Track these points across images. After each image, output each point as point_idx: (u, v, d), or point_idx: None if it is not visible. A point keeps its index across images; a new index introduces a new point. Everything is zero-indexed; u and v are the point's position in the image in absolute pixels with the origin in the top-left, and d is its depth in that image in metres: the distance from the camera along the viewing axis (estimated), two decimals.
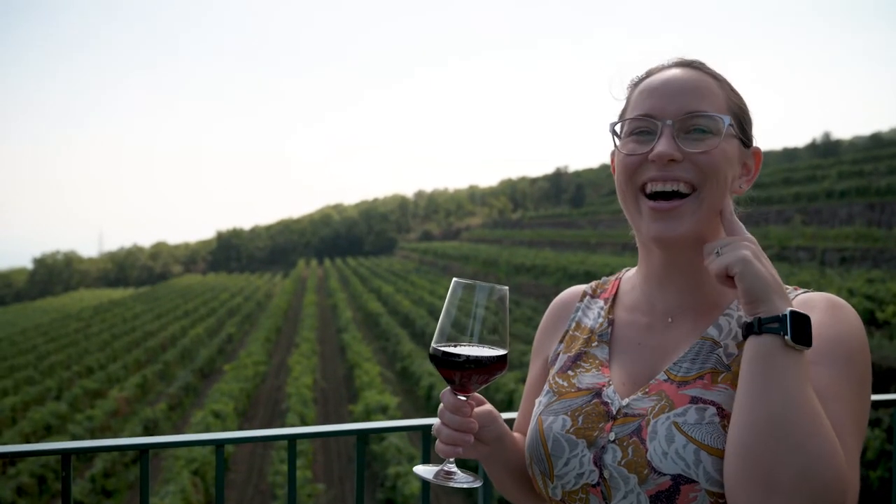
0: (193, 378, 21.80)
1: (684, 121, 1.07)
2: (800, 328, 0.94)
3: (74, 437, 14.71)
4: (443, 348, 1.10)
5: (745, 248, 1.00)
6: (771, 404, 0.92)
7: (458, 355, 1.08)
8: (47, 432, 15.98)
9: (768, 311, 0.96)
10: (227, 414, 14.90)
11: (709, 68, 1.15)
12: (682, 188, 1.07)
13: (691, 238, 1.08)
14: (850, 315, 1.04)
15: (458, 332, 1.10)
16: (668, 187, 1.07)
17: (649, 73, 1.17)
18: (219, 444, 1.80)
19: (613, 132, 1.16)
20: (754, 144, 1.17)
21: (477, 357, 1.08)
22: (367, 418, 13.82)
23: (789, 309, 0.95)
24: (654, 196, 1.08)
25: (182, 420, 18.42)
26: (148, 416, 16.38)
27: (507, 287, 1.12)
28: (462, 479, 1.12)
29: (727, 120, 1.08)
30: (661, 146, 1.05)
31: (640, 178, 1.09)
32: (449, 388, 1.14)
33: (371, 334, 29.72)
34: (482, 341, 1.09)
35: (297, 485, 1.84)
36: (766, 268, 1.00)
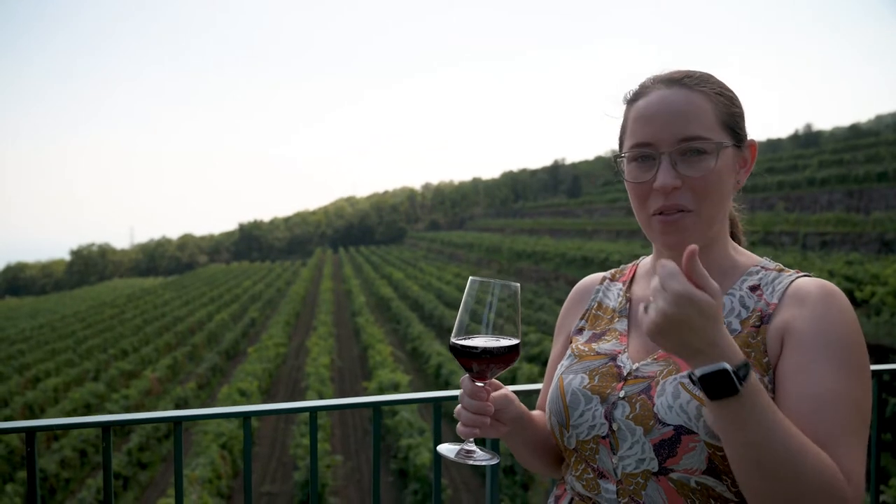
0: (220, 359, 21.91)
1: (680, 148, 1.07)
2: (716, 384, 0.88)
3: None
4: (461, 341, 1.11)
5: (659, 314, 0.89)
6: (743, 456, 0.91)
7: (475, 347, 1.10)
8: (87, 410, 16.09)
9: (696, 366, 0.90)
10: (252, 392, 14.98)
11: (696, 80, 1.11)
12: (685, 209, 1.09)
13: (697, 242, 1.12)
14: (843, 304, 1.03)
15: (474, 325, 1.12)
16: (672, 211, 1.09)
17: (641, 91, 1.14)
18: (245, 417, 1.79)
19: (617, 157, 1.17)
20: (748, 138, 1.14)
21: (491, 348, 1.10)
22: (380, 395, 13.82)
23: (699, 371, 0.89)
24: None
25: (210, 398, 18.51)
26: (179, 395, 16.49)
27: (518, 284, 1.14)
28: (480, 458, 1.13)
29: (719, 139, 1.07)
30: (662, 178, 1.07)
31: (651, 208, 1.11)
32: (467, 375, 1.14)
33: (383, 317, 29.74)
34: (496, 333, 1.11)
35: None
36: (687, 325, 0.88)
